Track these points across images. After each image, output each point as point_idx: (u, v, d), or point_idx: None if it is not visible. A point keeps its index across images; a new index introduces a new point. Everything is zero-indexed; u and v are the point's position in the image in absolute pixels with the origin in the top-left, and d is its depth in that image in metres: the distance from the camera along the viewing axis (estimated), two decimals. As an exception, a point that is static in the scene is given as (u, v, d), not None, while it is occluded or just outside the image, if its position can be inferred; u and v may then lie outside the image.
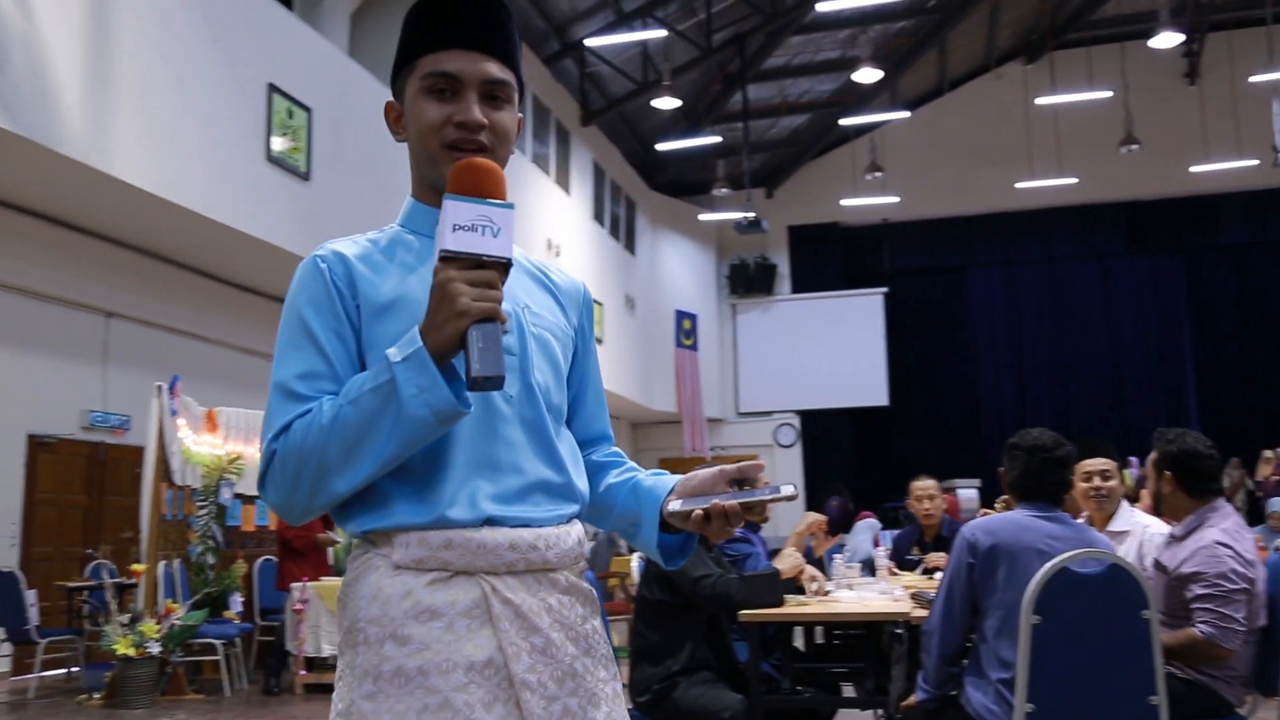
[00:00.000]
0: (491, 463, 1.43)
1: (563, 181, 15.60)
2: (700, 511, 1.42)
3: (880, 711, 4.83)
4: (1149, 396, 20.73)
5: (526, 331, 1.50)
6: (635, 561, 5.52)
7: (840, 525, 10.10)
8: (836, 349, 20.78)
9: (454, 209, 1.30)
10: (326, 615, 8.32)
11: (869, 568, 5.80)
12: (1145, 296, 21.27)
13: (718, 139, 19.16)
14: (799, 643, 5.53)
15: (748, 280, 21.47)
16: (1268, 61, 17.83)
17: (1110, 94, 19.16)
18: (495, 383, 1.28)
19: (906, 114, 20.61)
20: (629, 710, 4.21)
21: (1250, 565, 3.63)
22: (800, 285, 21.70)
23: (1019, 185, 19.94)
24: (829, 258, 21.62)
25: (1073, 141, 20.09)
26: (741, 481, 1.44)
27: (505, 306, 1.32)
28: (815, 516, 5.40)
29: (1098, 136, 19.74)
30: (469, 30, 1.50)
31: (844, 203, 20.72)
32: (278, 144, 9.61)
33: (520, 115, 1.59)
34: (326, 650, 8.31)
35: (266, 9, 9.66)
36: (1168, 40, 16.14)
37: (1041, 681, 2.94)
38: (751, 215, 17.66)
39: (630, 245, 18.75)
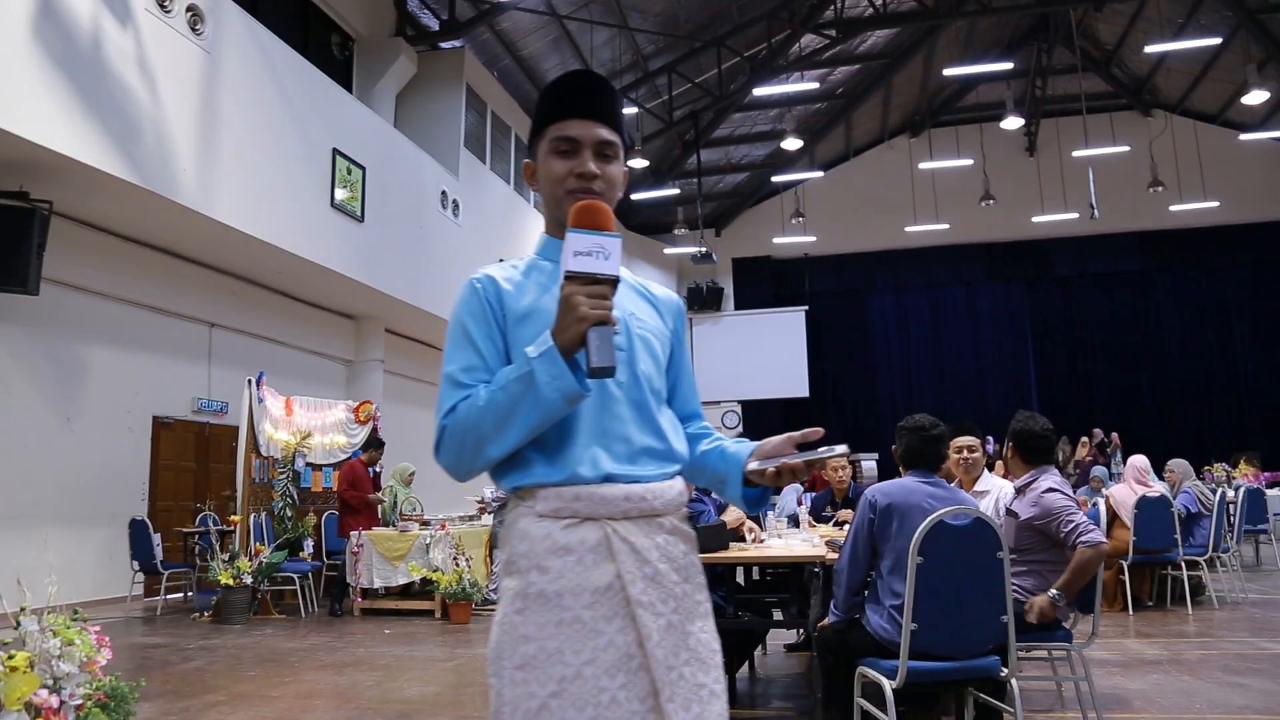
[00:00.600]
0: (607, 433, 1.46)
1: (558, 223, 15.63)
2: (772, 470, 1.47)
3: (801, 631, 4.87)
4: (1002, 390, 20.89)
5: (633, 333, 1.53)
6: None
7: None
8: (769, 353, 20.85)
9: (575, 239, 1.34)
10: (377, 556, 8.33)
11: (794, 521, 5.83)
12: (999, 315, 21.42)
13: (678, 191, 19.20)
14: (740, 579, 5.60)
15: (701, 300, 21.49)
16: (1084, 142, 18.08)
17: (972, 162, 19.35)
18: (609, 371, 1.31)
19: (821, 173, 20.70)
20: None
21: (1070, 499, 3.79)
22: (741, 304, 21.74)
23: (907, 229, 20.07)
24: (763, 283, 21.67)
25: (945, 196, 20.24)
26: (803, 445, 1.48)
27: (615, 314, 1.35)
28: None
29: (963, 193, 19.90)
30: (584, 104, 1.53)
31: (775, 240, 20.79)
32: (340, 194, 9.58)
33: (626, 169, 1.62)
34: (377, 583, 8.33)
35: (331, 90, 9.64)
36: (1013, 123, 16.41)
37: (923, 606, 2.95)
38: (704, 249, 17.73)
39: (609, 272, 18.82)
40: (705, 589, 1.55)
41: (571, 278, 1.33)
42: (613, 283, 1.34)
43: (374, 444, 9.60)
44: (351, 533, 8.45)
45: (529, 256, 1.62)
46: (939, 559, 2.96)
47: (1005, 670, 3.09)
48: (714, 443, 1.67)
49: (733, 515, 4.56)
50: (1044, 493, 3.80)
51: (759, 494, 1.59)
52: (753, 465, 1.50)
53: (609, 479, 1.44)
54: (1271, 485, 14.99)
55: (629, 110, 15.58)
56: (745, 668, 5.37)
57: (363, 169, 9.92)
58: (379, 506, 9.15)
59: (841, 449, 1.45)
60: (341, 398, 10.68)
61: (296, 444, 9.44)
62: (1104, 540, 3.63)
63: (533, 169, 1.60)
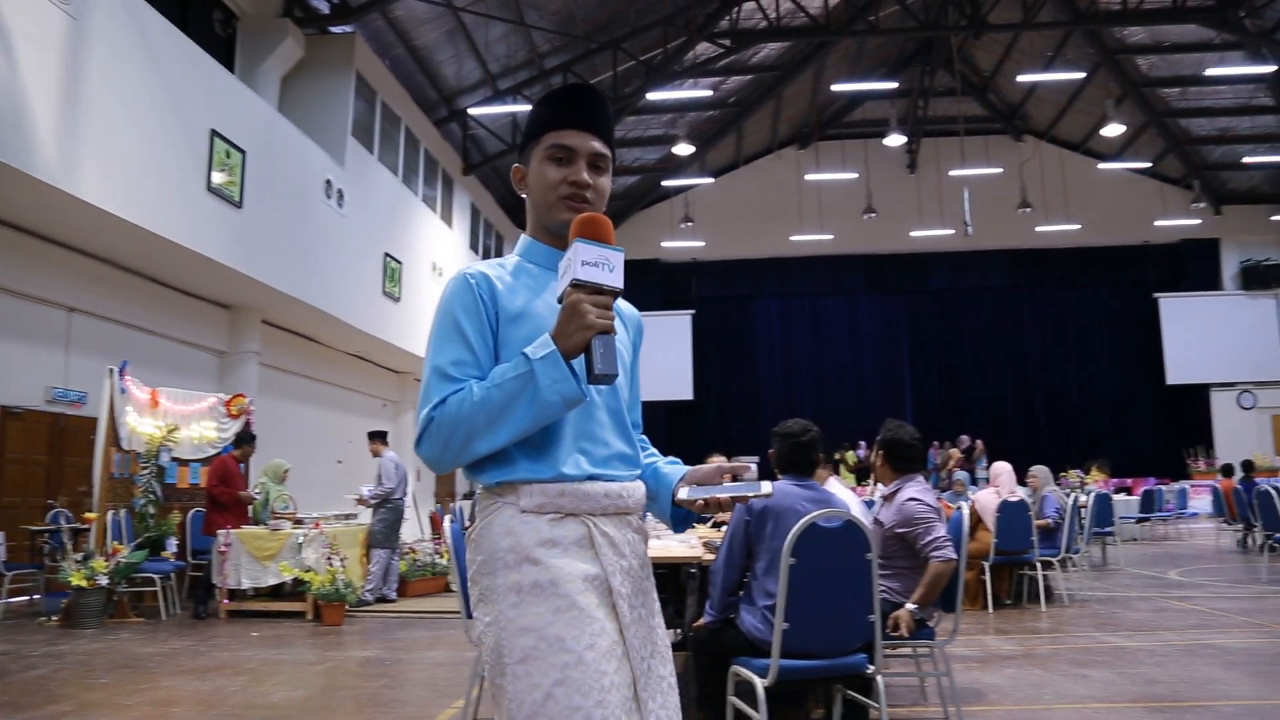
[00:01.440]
0: (590, 437, 1.51)
1: (446, 218, 15.34)
2: (701, 502, 1.51)
3: (679, 630, 4.93)
4: (879, 397, 21.60)
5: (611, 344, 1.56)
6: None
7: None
8: (655, 356, 20.94)
9: (584, 249, 1.36)
10: (246, 555, 8.02)
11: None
12: (878, 324, 22.16)
13: (568, 191, 19.15)
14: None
15: (588, 300, 21.44)
16: (961, 162, 18.91)
17: (856, 175, 19.97)
18: (610, 379, 1.36)
19: (711, 180, 21.01)
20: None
21: (931, 508, 3.93)
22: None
23: (792, 238, 20.55)
24: (652, 286, 21.78)
25: (830, 208, 20.81)
26: (735, 474, 1.52)
27: (614, 314, 1.40)
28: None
29: (847, 205, 20.52)
30: (582, 116, 1.57)
31: (664, 244, 20.98)
32: (217, 178, 9.19)
33: (611, 177, 1.66)
34: (246, 583, 8.02)
35: (211, 69, 9.24)
36: (895, 140, 17.05)
37: (795, 606, 2.98)
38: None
39: (498, 270, 18.63)
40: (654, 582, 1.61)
41: (579, 286, 1.36)
42: (616, 294, 1.39)
43: (246, 439, 9.24)
44: (219, 531, 8.10)
45: (512, 258, 1.63)
46: (811, 560, 3.01)
47: (872, 667, 3.19)
48: (649, 458, 1.72)
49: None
50: (905, 501, 3.94)
51: (684, 515, 1.64)
52: (683, 493, 1.54)
53: (591, 478, 1.49)
54: (1119, 491, 15.97)
55: (522, 108, 15.47)
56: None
57: (243, 153, 9.54)
58: (250, 504, 8.82)
59: (767, 488, 1.47)
60: (213, 390, 10.24)
61: (162, 438, 9.00)
62: (954, 556, 3.79)
63: (523, 173, 1.64)
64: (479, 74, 14.88)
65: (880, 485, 4.60)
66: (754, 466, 1.56)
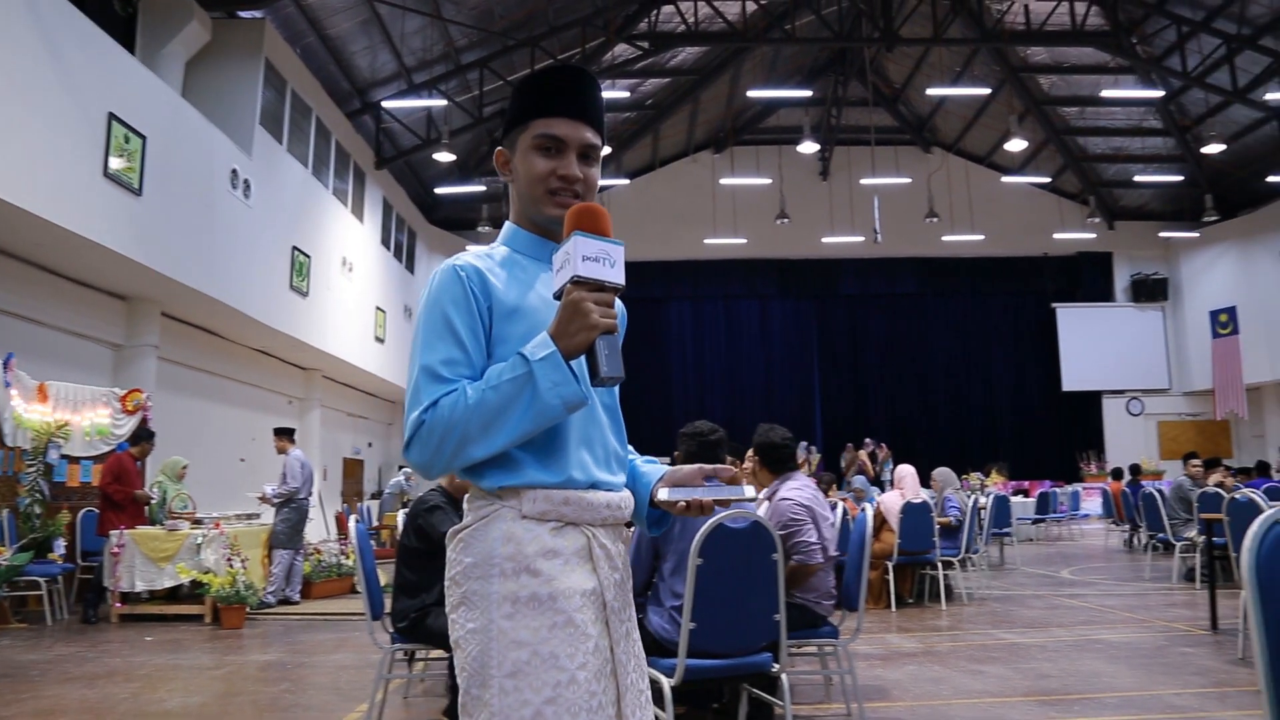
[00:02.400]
0: (591, 438, 1.45)
1: (357, 212, 15.02)
2: (683, 504, 1.44)
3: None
4: (789, 399, 21.97)
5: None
6: (401, 515, 5.42)
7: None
8: (567, 355, 20.90)
9: (584, 244, 1.29)
10: (141, 557, 7.73)
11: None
12: (789, 328, 22.51)
13: (483, 188, 18.97)
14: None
15: (502, 299, 21.28)
16: (871, 171, 19.38)
17: (770, 181, 20.26)
18: (616, 381, 1.30)
19: (627, 181, 21.06)
20: (390, 633, 4.17)
21: (805, 508, 4.01)
22: (542, 305, 21.69)
23: (706, 241, 20.72)
24: (565, 286, 21.72)
25: (744, 212, 21.07)
26: (711, 479, 1.48)
27: (616, 311, 1.33)
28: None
29: (761, 210, 20.80)
30: (574, 104, 1.48)
31: (578, 245, 20.92)
32: (115, 163, 8.81)
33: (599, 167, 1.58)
34: (140, 586, 7.72)
35: (110, 49, 8.85)
36: (809, 148, 17.37)
37: (702, 606, 3.00)
38: (507, 249, 17.56)
39: (410, 266, 18.26)
40: None
41: (580, 283, 1.29)
42: (618, 291, 1.32)
43: (143, 436, 8.90)
44: (112, 531, 7.78)
45: (499, 248, 1.55)
46: (718, 561, 3.03)
47: (777, 666, 3.24)
48: (630, 456, 1.65)
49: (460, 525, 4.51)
50: (779, 501, 4.04)
51: (660, 516, 1.60)
52: (663, 495, 1.48)
53: (594, 485, 1.44)
54: (1016, 493, 16.57)
55: (438, 103, 15.27)
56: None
57: (143, 138, 9.17)
58: (146, 503, 8.49)
59: (751, 491, 1.43)
60: (108, 384, 9.82)
61: (51, 433, 8.60)
62: (819, 561, 3.92)
63: (506, 158, 1.55)
64: (394, 67, 14.62)
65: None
66: (735, 470, 1.52)
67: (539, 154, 1.48)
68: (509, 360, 1.34)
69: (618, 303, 1.63)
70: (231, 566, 7.67)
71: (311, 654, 6.25)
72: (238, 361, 12.71)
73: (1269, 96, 15.76)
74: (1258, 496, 5.90)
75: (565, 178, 1.47)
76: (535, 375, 1.30)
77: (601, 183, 14.22)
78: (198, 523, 8.33)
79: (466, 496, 1.49)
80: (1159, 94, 17.28)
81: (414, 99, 15.21)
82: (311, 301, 12.78)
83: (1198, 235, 20.47)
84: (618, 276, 1.31)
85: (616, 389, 1.51)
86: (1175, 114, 18.38)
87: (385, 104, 15.08)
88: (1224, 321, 20.30)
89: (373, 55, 14.23)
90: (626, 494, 1.51)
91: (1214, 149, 17.30)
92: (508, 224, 1.58)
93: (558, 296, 1.33)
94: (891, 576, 7.80)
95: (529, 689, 1.32)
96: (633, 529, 1.53)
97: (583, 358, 1.32)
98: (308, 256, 12.64)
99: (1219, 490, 8.75)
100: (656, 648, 3.25)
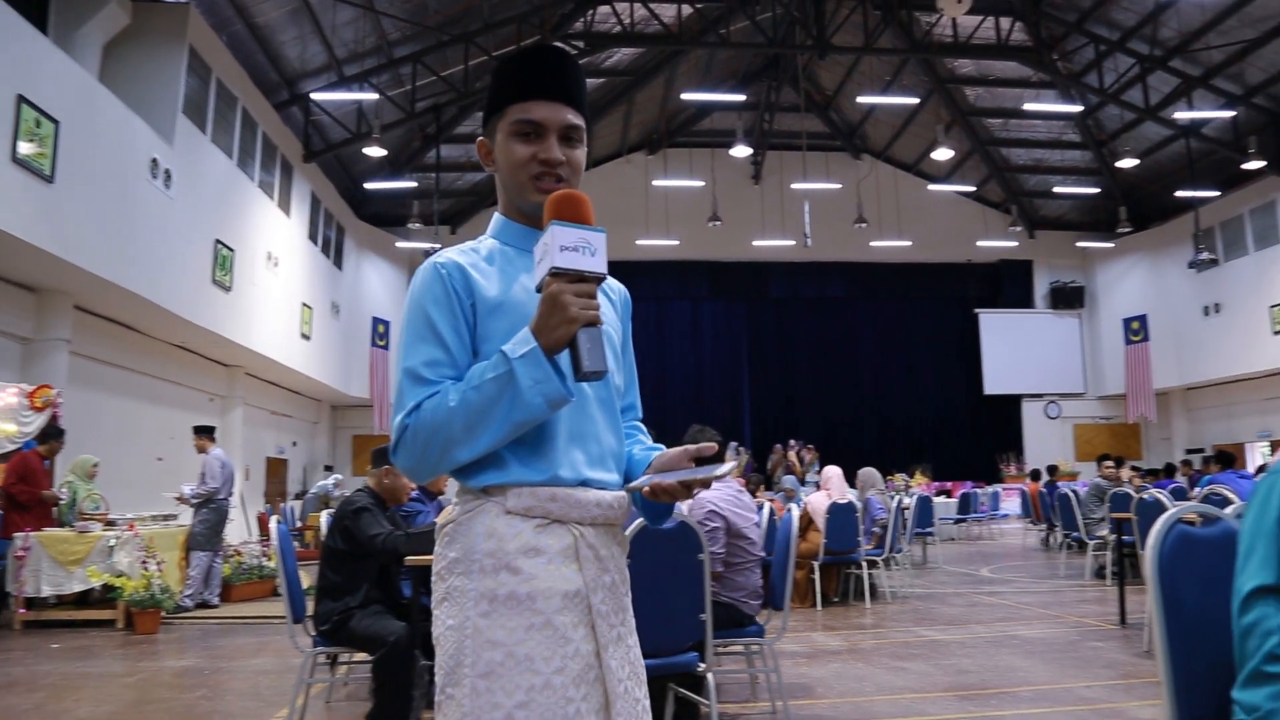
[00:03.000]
0: (583, 435, 1.40)
1: (284, 206, 14.69)
2: (647, 489, 1.38)
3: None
4: (719, 400, 22.14)
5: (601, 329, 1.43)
6: (324, 516, 5.32)
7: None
8: (498, 354, 20.76)
9: (561, 233, 1.25)
10: (49, 560, 7.44)
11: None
12: (720, 329, 22.69)
13: (414, 184, 18.73)
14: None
15: (432, 297, 21.04)
16: (802, 176, 19.66)
17: (703, 183, 20.39)
18: (600, 376, 1.25)
19: (560, 181, 20.98)
20: (312, 636, 4.09)
21: (716, 515, 4.06)
22: (473, 303, 21.51)
23: (639, 241, 20.76)
24: (496, 284, 21.57)
25: (676, 214, 21.18)
26: (699, 459, 1.40)
27: (598, 302, 1.28)
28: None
29: (693, 212, 20.92)
30: (551, 84, 1.43)
31: (510, 243, 20.79)
32: (24, 148, 8.46)
33: (586, 148, 1.51)
34: (47, 591, 7.43)
35: (18, 27, 8.49)
36: (741, 151, 17.53)
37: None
38: (438, 246, 17.32)
39: (338, 262, 17.92)
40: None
41: (558, 274, 1.25)
42: (599, 280, 1.28)
43: (52, 434, 8.57)
44: (17, 534, 7.47)
45: (485, 239, 1.50)
46: (643, 561, 3.00)
47: (703, 665, 3.26)
48: (633, 444, 1.61)
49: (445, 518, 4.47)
50: (692, 505, 4.09)
51: (656, 508, 1.53)
52: (636, 481, 1.44)
53: (585, 483, 1.39)
54: (939, 494, 16.96)
55: (369, 96, 15.03)
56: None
57: (55, 123, 8.84)
58: (54, 504, 8.18)
59: (725, 469, 1.34)
60: (14, 380, 9.43)
61: (-47, 430, 8.24)
62: (717, 571, 3.99)
63: (488, 147, 1.50)
64: (324, 58, 14.35)
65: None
66: (715, 447, 1.44)
67: (518, 140, 1.43)
68: (492, 359, 1.31)
69: (621, 287, 1.63)
70: (146, 569, 7.44)
71: (230, 659, 6.09)
72: (156, 357, 12.32)
73: (1178, 115, 16.43)
74: (1164, 497, 6.14)
75: (547, 161, 1.42)
76: (516, 373, 1.26)
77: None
78: (110, 524, 8.05)
79: (456, 490, 1.46)
80: (1077, 109, 17.88)
81: (344, 92, 14.95)
82: (235, 296, 12.45)
83: (1112, 246, 21.21)
84: (599, 265, 1.27)
85: (611, 382, 1.47)
86: (1092, 129, 19.04)
87: (314, 96, 14.79)
88: (1136, 329, 21.08)
89: (302, 45, 13.94)
90: (620, 493, 1.45)
91: (1128, 163, 17.96)
92: (496, 215, 1.54)
93: (539, 289, 1.29)
94: (818, 576, 7.92)
95: (501, 691, 1.28)
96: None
97: (567, 352, 1.28)
98: (231, 250, 12.32)
99: (1129, 491, 9.08)
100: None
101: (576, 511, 1.37)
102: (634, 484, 1.43)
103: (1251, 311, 17.78)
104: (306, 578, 4.64)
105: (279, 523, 4.39)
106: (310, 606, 4.15)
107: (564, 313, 1.24)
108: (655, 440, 1.67)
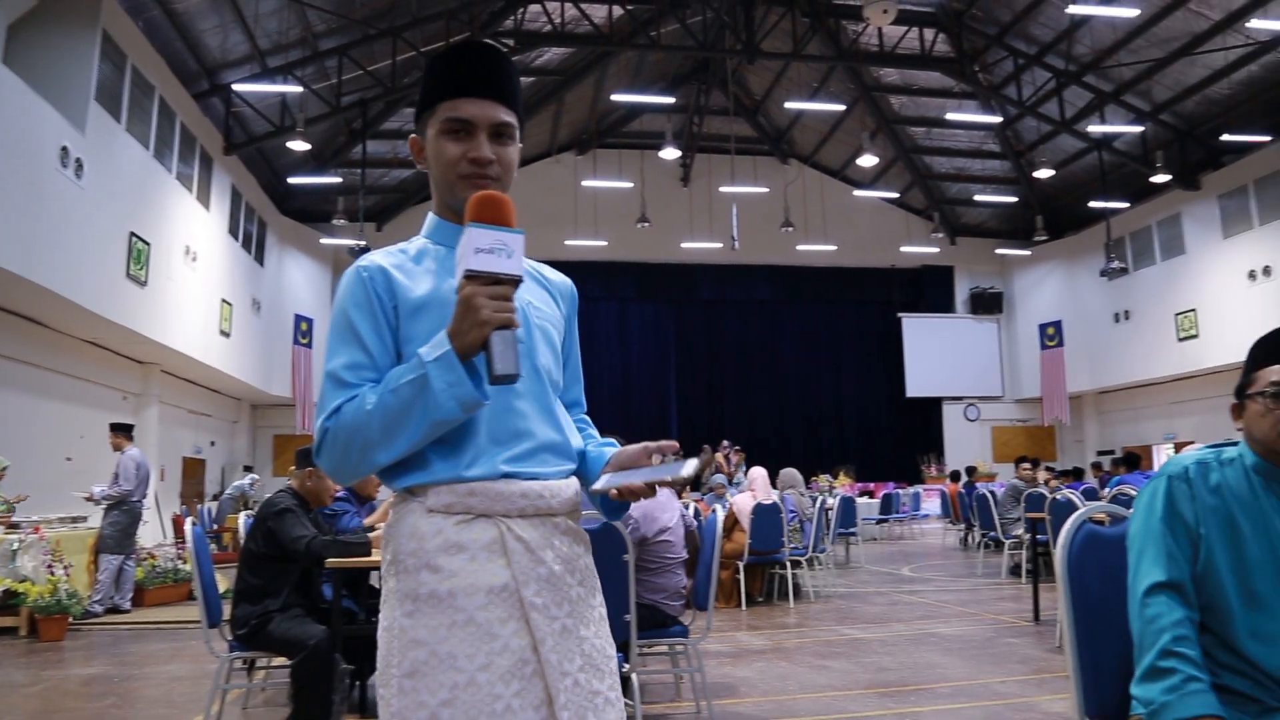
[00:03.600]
0: (507, 430, 1.39)
1: (203, 199, 14.27)
2: (615, 491, 1.37)
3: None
4: (647, 401, 22.20)
5: (532, 324, 1.46)
6: (243, 518, 5.18)
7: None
8: (425, 353, 20.50)
9: (477, 235, 1.25)
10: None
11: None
12: (648, 331, 22.75)
13: (339, 180, 18.39)
14: (376, 581, 5.44)
15: (357, 294, 20.68)
16: (730, 179, 19.84)
17: (632, 185, 20.45)
18: (512, 379, 1.26)
19: (490, 180, 20.79)
20: (229, 641, 3.98)
21: (630, 517, 4.11)
22: (399, 302, 21.21)
23: (567, 242, 20.70)
24: (423, 283, 21.31)
25: (605, 215, 21.18)
26: (663, 455, 1.40)
27: (515, 304, 1.27)
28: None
29: (622, 213, 20.95)
30: (480, 81, 1.42)
31: (438, 241, 20.55)
32: (-74, 136, 8.09)
33: (519, 146, 1.50)
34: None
35: (-77, 13, 8.13)
36: (671, 154, 17.64)
37: None
38: (364, 243, 17.06)
39: (260, 258, 17.47)
40: (600, 593, 1.50)
41: (472, 277, 1.25)
42: (515, 282, 1.27)
43: (-49, 432, 8.18)
44: (-87, 536, 7.13)
45: (418, 239, 1.49)
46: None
47: (627, 665, 3.27)
48: (586, 440, 1.61)
49: (378, 534, 4.39)
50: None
51: (615, 506, 1.50)
52: (599, 483, 1.41)
53: (506, 476, 1.37)
54: (862, 494, 17.28)
55: (293, 89, 14.70)
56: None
57: (-43, 109, 8.46)
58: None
59: (689, 468, 1.31)
60: (-90, 376, 9.00)
61: None
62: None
63: (420, 145, 1.50)
64: (246, 48, 13.98)
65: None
66: (677, 445, 1.43)
67: (448, 138, 1.43)
68: (410, 361, 1.31)
69: (565, 281, 1.65)
70: (52, 574, 7.15)
71: (142, 666, 5.90)
72: (66, 353, 11.86)
73: (1091, 129, 17.04)
74: (1076, 497, 6.35)
75: (476, 160, 1.42)
76: (430, 377, 1.27)
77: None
78: (14, 527, 7.73)
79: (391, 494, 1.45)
80: (997, 120, 18.40)
81: (267, 84, 14.58)
82: (151, 291, 12.06)
83: (1029, 253, 21.87)
84: (514, 267, 1.27)
85: (547, 376, 1.47)
86: (1011, 139, 19.62)
87: (236, 87, 14.40)
88: (1051, 334, 21.79)
89: (223, 35, 13.56)
90: (559, 483, 1.43)
91: (1044, 174, 18.57)
92: (429, 214, 1.53)
93: (457, 292, 1.29)
94: (742, 576, 7.99)
95: (425, 690, 1.28)
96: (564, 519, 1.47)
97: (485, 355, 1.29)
98: (147, 243, 11.93)
99: (1044, 491, 9.37)
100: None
101: (500, 504, 1.36)
102: (598, 486, 1.41)
103: (1158, 319, 18.53)
104: (223, 581, 4.52)
105: (194, 524, 4.26)
106: (227, 610, 4.04)
107: (476, 315, 1.25)
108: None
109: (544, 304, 1.54)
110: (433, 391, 1.27)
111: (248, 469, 17.36)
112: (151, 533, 10.96)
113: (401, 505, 1.39)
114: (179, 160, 13.17)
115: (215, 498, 16.43)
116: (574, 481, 1.48)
